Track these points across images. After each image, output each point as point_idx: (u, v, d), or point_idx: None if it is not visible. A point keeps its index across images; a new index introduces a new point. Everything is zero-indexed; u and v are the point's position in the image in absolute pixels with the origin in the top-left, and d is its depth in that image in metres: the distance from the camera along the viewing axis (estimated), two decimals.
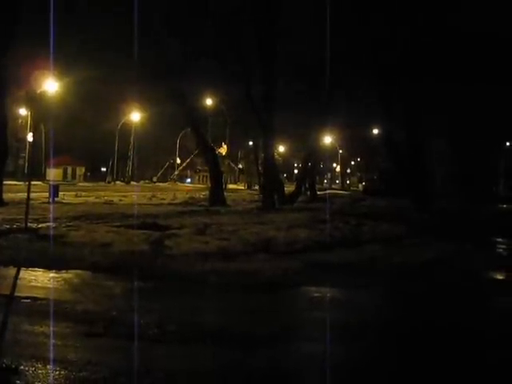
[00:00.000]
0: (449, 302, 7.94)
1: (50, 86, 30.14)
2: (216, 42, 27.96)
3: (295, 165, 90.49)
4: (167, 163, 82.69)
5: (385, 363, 5.38)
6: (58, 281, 8.57)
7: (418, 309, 7.53)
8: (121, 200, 27.59)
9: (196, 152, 60.81)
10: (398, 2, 25.91)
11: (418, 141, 28.58)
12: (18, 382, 4.47)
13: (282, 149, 69.48)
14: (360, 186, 77.44)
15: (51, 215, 16.03)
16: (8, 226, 13.59)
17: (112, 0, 25.93)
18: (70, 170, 74.23)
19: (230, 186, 63.35)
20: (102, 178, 73.29)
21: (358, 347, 5.77)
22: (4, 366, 4.69)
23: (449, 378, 5.08)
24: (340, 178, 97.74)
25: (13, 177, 46.16)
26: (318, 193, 42.99)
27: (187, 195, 35.61)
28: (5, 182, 23.66)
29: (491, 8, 26.01)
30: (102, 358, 5.17)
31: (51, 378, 4.63)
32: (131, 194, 33.41)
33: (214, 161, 29.71)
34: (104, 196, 30.73)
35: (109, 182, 66.48)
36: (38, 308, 6.87)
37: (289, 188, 37.33)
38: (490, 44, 27.55)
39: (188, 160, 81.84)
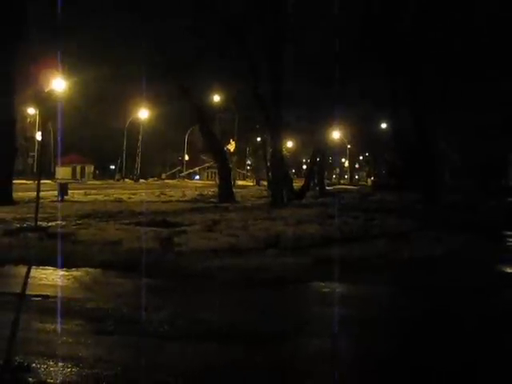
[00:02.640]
0: (457, 296, 7.92)
1: (58, 84, 30.28)
2: (223, 39, 27.93)
3: (304, 160, 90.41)
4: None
5: (392, 358, 5.38)
6: (68, 279, 8.61)
7: (428, 304, 7.51)
8: (130, 198, 27.67)
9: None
10: None
11: (427, 135, 28.51)
12: (31, 379, 4.50)
13: (290, 144, 69.36)
14: (369, 180, 77.25)
15: (60, 214, 16.09)
16: (18, 225, 13.66)
17: None
18: (78, 168, 74.47)
19: (239, 183, 63.39)
20: (110, 175, 73.52)
21: (367, 342, 5.76)
22: (16, 363, 4.72)
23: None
24: (349, 172, 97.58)
25: (22, 176, 46.40)
26: (327, 188, 42.96)
27: (196, 192, 35.69)
28: (14, 181, 23.78)
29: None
30: (113, 355, 5.19)
31: (63, 375, 4.66)
32: (140, 192, 33.48)
33: (222, 157, 29.73)
34: (113, 194, 30.85)
35: (118, 180, 66.68)
36: (48, 306, 6.90)
37: (297, 184, 37.32)
38: (500, 39, 27.42)
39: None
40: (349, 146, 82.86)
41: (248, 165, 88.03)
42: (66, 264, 9.23)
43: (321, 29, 27.75)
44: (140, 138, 72.30)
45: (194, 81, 29.49)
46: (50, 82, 28.44)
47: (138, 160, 73.93)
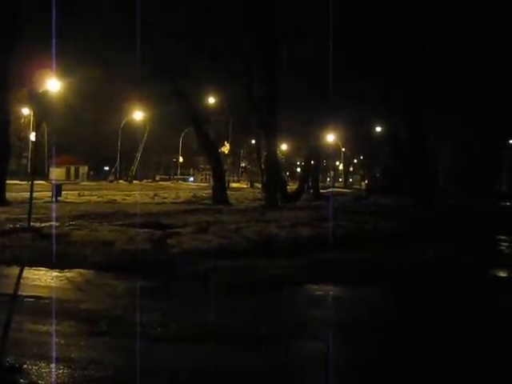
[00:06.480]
0: (448, 299, 7.95)
1: (53, 84, 30.15)
2: (216, 42, 27.93)
3: (298, 163, 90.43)
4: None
5: (382, 362, 5.39)
6: (61, 280, 8.59)
7: (419, 307, 7.54)
8: (124, 199, 27.60)
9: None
10: None
11: (421, 139, 28.61)
12: (22, 380, 4.49)
13: (284, 147, 69.36)
14: (363, 184, 77.33)
15: (54, 214, 16.03)
16: (11, 226, 13.61)
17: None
18: (72, 169, 74.15)
19: (233, 185, 63.35)
20: (104, 177, 73.24)
21: (358, 345, 5.78)
22: (8, 364, 4.71)
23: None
24: (343, 176, 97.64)
25: (16, 176, 46.22)
26: (321, 191, 42.99)
27: (190, 194, 35.66)
28: (8, 182, 23.67)
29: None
30: (105, 356, 5.19)
31: (55, 376, 4.65)
32: (134, 193, 33.41)
33: (216, 160, 29.72)
34: (107, 195, 30.75)
35: (111, 181, 66.46)
36: (41, 307, 6.89)
37: (292, 186, 37.36)
38: (493, 40, 27.54)
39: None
40: (343, 149, 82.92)
41: (242, 167, 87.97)
42: (59, 265, 9.21)
43: (315, 31, 27.75)
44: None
45: (189, 83, 29.44)
46: (44, 81, 28.36)
47: (137, 161, 73.56)
